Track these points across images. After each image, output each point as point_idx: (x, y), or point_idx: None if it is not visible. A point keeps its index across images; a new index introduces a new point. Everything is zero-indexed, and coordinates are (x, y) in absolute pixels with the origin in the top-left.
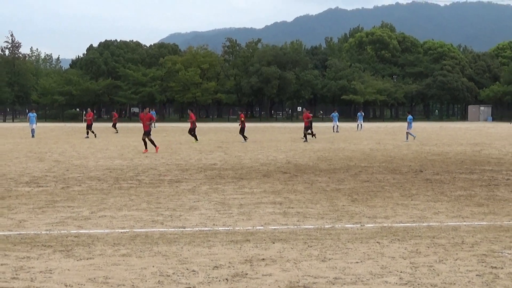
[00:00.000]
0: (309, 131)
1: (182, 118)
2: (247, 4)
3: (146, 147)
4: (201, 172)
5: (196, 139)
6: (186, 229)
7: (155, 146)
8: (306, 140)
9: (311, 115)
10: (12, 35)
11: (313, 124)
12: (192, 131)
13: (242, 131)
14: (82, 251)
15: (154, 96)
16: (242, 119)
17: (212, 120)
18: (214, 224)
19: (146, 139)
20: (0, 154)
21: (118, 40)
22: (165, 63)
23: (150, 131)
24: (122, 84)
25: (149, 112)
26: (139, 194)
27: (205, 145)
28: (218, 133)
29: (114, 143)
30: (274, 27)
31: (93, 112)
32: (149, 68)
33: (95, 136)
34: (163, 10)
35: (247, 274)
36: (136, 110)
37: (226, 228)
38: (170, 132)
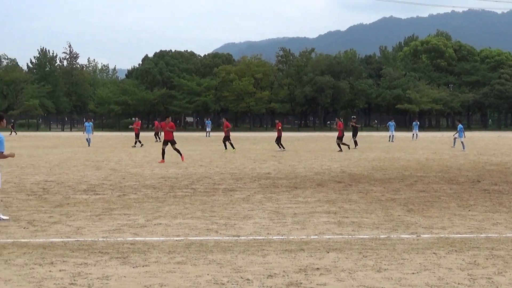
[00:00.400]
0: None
1: (236, 127)
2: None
3: (163, 158)
4: (255, 181)
5: (233, 148)
6: (240, 237)
7: (180, 154)
8: (341, 150)
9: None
10: (70, 46)
11: (369, 133)
12: (227, 139)
13: (278, 139)
14: (138, 258)
15: (208, 105)
16: (279, 127)
17: (266, 129)
18: (268, 233)
19: (165, 149)
20: (59, 163)
21: (173, 50)
22: (219, 73)
23: (173, 139)
24: (177, 93)
25: (171, 121)
26: (193, 203)
27: (259, 154)
28: (271, 142)
29: (169, 152)
30: (328, 36)
31: (141, 121)
32: (203, 78)
33: (141, 146)
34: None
35: (301, 283)
36: (190, 119)
37: (280, 237)
38: None
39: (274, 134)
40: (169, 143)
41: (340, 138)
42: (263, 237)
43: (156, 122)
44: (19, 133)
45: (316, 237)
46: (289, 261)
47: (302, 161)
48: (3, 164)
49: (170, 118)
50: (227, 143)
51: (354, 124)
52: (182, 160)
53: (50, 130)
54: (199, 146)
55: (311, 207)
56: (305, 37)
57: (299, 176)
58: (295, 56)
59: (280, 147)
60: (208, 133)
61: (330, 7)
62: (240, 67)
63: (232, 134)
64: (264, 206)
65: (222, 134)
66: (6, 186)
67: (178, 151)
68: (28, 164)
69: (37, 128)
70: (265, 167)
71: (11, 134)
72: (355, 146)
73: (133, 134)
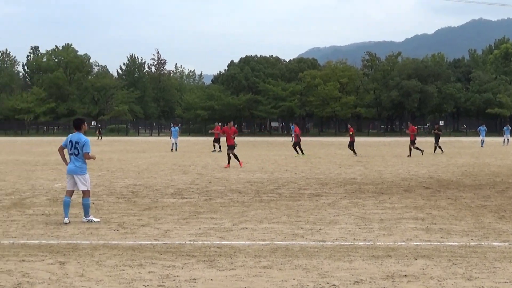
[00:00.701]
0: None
1: (321, 132)
2: (386, 17)
3: (228, 163)
4: (341, 186)
5: (303, 153)
6: (326, 243)
7: (238, 161)
8: (410, 155)
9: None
10: (158, 53)
11: (457, 138)
12: (297, 145)
13: (351, 145)
14: (224, 261)
15: (294, 110)
16: (351, 132)
17: None
18: (354, 239)
19: (230, 154)
20: (147, 167)
21: (258, 56)
22: (304, 78)
23: (234, 145)
24: (262, 98)
25: (233, 126)
26: (279, 207)
27: (345, 159)
28: (357, 147)
29: (255, 156)
30: (415, 40)
31: (221, 126)
32: (288, 83)
33: (219, 151)
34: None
35: None
36: (275, 124)
37: (367, 243)
38: (310, 147)
39: (359, 139)
40: (228, 148)
41: (412, 142)
42: (349, 243)
43: (217, 127)
44: (109, 138)
45: (403, 243)
46: (376, 267)
47: (389, 167)
48: (94, 168)
49: (232, 123)
50: (297, 148)
51: (437, 131)
52: (241, 166)
53: (138, 134)
54: (285, 151)
55: (398, 213)
56: (391, 40)
57: (386, 181)
58: (381, 60)
59: (354, 153)
60: (293, 138)
61: (416, 10)
62: (325, 72)
63: (318, 139)
64: (350, 211)
65: (306, 138)
66: (97, 190)
67: (236, 157)
68: (118, 168)
69: (126, 133)
70: (350, 172)
71: (98, 138)
72: (441, 151)
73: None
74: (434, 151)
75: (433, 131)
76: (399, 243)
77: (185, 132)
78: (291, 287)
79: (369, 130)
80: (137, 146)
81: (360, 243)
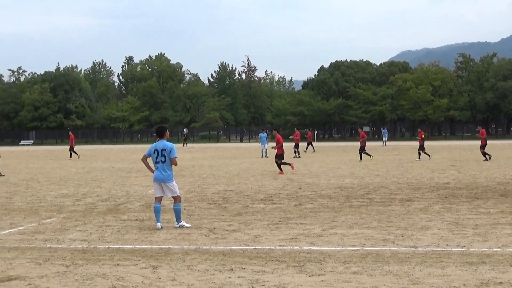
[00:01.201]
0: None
1: (413, 137)
2: (481, 18)
3: (281, 170)
4: (434, 191)
5: (361, 158)
6: (418, 248)
7: (280, 169)
8: (486, 159)
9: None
10: (248, 60)
11: None
12: (362, 149)
13: (421, 148)
14: (314, 267)
15: (385, 114)
16: (422, 136)
17: (445, 138)
18: (447, 245)
19: (279, 162)
20: (238, 173)
21: (348, 60)
22: (395, 81)
23: (283, 154)
24: (353, 103)
25: (277, 133)
26: (369, 213)
27: (438, 163)
28: (451, 151)
29: (345, 162)
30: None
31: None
32: (379, 87)
33: (298, 156)
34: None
35: None
36: (366, 129)
37: (460, 249)
38: (401, 151)
39: (453, 143)
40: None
41: (483, 146)
42: (442, 249)
43: (297, 133)
44: (200, 145)
45: (499, 249)
46: (469, 274)
47: (484, 171)
48: (186, 175)
49: (276, 132)
50: (362, 153)
51: None
52: (281, 173)
53: (229, 141)
54: (376, 156)
55: (493, 218)
56: (486, 41)
57: (480, 186)
58: (475, 62)
59: (418, 157)
60: (384, 143)
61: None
62: (417, 75)
63: (410, 143)
64: (443, 216)
65: (398, 143)
66: (189, 195)
67: (279, 166)
68: (210, 174)
69: (217, 139)
70: (443, 177)
71: (183, 146)
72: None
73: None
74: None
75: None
76: (494, 250)
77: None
78: None
79: (463, 134)
80: (227, 152)
81: (453, 249)
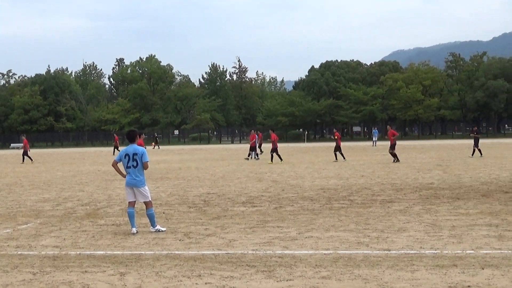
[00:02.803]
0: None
1: (404, 136)
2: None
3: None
4: (416, 192)
5: (336, 159)
6: (391, 251)
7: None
8: (472, 156)
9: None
10: (239, 61)
11: None
12: (337, 149)
13: (337, 149)
14: (283, 272)
15: (375, 114)
16: (336, 137)
17: (435, 137)
18: (421, 247)
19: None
20: (224, 175)
21: (339, 60)
22: (386, 81)
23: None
24: (343, 103)
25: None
26: (349, 215)
27: (425, 163)
28: (440, 150)
29: (333, 162)
30: (503, 38)
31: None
32: (370, 87)
33: (256, 158)
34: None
35: None
36: (358, 129)
37: (433, 252)
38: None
39: (443, 142)
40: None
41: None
42: (415, 251)
43: (254, 135)
44: (191, 146)
45: (472, 252)
46: (439, 277)
47: (469, 170)
48: (171, 177)
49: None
50: (337, 153)
51: (475, 134)
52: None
53: (220, 142)
54: (364, 156)
55: (471, 219)
56: (478, 40)
57: (464, 186)
58: (465, 61)
59: (342, 157)
60: (374, 143)
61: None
62: (407, 75)
63: (400, 143)
64: (421, 218)
65: (388, 143)
66: (170, 199)
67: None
68: (195, 177)
69: (208, 141)
70: (428, 177)
71: (154, 148)
72: (480, 155)
73: (303, 145)
74: (472, 155)
75: (470, 134)
76: (467, 252)
77: (265, 138)
78: None
79: (454, 133)
80: (217, 154)
81: (426, 251)
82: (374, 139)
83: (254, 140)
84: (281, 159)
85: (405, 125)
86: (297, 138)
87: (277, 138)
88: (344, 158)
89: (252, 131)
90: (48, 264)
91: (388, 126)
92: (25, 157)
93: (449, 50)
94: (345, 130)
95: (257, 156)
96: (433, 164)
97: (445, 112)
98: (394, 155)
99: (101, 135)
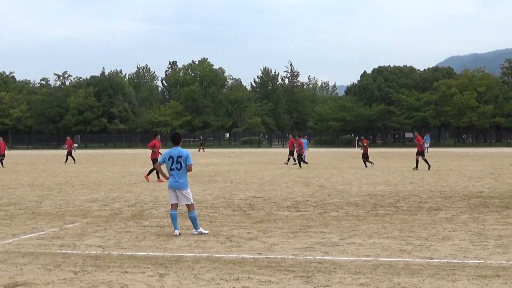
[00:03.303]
0: None
1: (457, 143)
2: None
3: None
4: (465, 200)
5: (366, 165)
6: (433, 260)
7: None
8: None
9: None
10: (291, 65)
11: None
12: (364, 156)
13: (364, 156)
14: (321, 278)
15: (428, 120)
16: (365, 144)
17: (490, 145)
18: (464, 256)
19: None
20: (271, 179)
21: (392, 66)
22: (439, 87)
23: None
24: (395, 109)
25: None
26: (393, 222)
27: (476, 171)
28: (493, 158)
29: (382, 168)
30: None
31: (368, 138)
32: (422, 93)
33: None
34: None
35: None
36: (410, 135)
37: (477, 261)
38: (442, 158)
39: (498, 150)
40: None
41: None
42: (458, 261)
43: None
44: (241, 150)
45: None
46: None
47: None
48: (219, 180)
49: (298, 137)
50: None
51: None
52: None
53: (271, 146)
54: (414, 163)
55: None
56: None
57: None
58: None
59: (365, 165)
60: (426, 149)
61: None
62: (461, 81)
63: (452, 150)
64: (468, 227)
65: (441, 150)
66: (216, 202)
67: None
68: (242, 180)
69: (259, 144)
70: (479, 185)
71: (199, 151)
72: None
73: (355, 150)
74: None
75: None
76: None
77: (317, 143)
78: None
79: (509, 140)
80: (266, 157)
81: (470, 261)
82: (426, 145)
83: (293, 144)
84: (300, 165)
85: (459, 132)
86: (348, 143)
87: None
88: (366, 166)
89: (290, 135)
90: (90, 263)
91: (362, 137)
92: (69, 157)
93: (506, 56)
94: (396, 136)
95: (288, 162)
96: (485, 172)
97: (500, 120)
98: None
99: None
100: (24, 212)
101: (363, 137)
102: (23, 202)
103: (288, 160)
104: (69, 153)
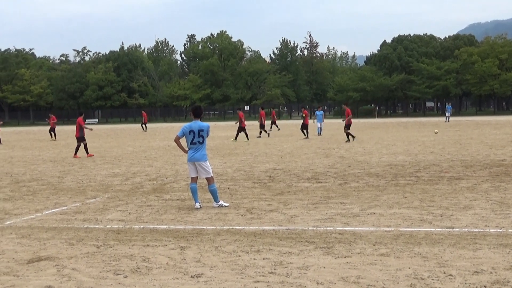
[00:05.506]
0: None
1: (479, 112)
2: None
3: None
4: (486, 169)
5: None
6: (454, 229)
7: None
8: None
9: None
10: (310, 36)
11: None
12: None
13: (304, 127)
14: (342, 248)
15: (449, 89)
16: (304, 115)
17: None
18: (485, 225)
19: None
20: (291, 151)
21: (412, 35)
22: (460, 55)
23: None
24: (416, 78)
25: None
26: (414, 192)
27: (498, 140)
28: None
29: (403, 138)
30: None
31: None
32: (443, 61)
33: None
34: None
35: (509, 282)
36: (431, 104)
37: (498, 230)
38: (463, 127)
39: None
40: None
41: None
42: (479, 230)
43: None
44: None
45: None
46: (501, 256)
47: None
48: (239, 153)
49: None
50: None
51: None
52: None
53: (291, 118)
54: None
55: None
56: None
57: None
58: None
59: (305, 134)
60: (447, 118)
61: None
62: (483, 48)
63: (474, 119)
64: (489, 196)
65: (462, 118)
66: (236, 174)
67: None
68: (262, 153)
69: (279, 116)
70: (500, 154)
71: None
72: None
73: (374, 120)
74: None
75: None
76: None
77: (338, 115)
78: (404, 277)
79: None
80: (286, 129)
81: (491, 230)
82: (447, 114)
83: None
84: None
85: (480, 101)
86: (369, 114)
87: (268, 115)
88: (305, 135)
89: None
90: (112, 237)
91: (343, 105)
92: (51, 133)
93: None
94: (416, 107)
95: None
96: (507, 140)
97: None
98: (348, 135)
99: (173, 111)
100: (46, 188)
101: (303, 108)
102: (45, 177)
103: (260, 133)
104: (52, 129)
